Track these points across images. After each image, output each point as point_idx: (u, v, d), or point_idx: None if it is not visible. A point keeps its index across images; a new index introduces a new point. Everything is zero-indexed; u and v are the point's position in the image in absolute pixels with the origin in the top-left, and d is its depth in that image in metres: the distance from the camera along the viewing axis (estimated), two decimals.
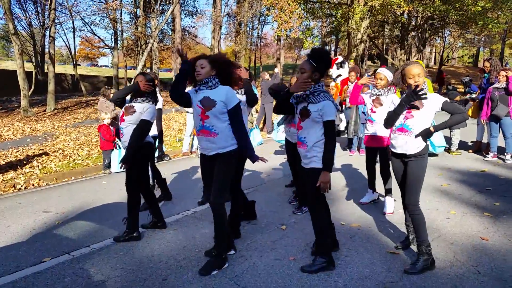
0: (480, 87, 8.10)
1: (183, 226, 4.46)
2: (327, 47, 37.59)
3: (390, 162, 3.58)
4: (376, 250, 3.64)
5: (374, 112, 4.78)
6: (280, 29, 17.60)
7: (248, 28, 29.00)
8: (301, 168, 3.37)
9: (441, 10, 19.65)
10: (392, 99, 4.20)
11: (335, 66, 11.09)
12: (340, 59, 11.23)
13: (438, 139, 7.50)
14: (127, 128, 4.03)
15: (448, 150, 7.99)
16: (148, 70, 24.31)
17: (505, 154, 7.17)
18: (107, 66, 53.92)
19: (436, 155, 7.65)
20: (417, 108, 3.18)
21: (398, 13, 22.14)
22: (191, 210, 5.00)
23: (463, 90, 18.91)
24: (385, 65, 23.85)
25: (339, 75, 10.70)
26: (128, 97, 4.27)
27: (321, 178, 3.05)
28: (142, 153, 4.06)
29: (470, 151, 8.03)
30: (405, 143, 3.21)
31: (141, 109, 3.99)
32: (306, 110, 3.14)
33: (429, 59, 44.13)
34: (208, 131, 3.30)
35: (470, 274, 3.18)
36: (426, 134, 3.18)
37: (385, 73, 4.75)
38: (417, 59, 24.37)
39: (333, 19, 22.75)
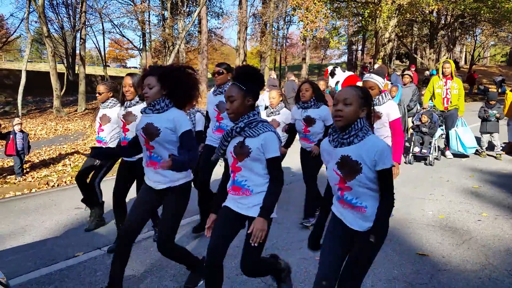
0: None
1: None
2: (354, 47, 37.17)
3: None
4: (405, 252, 3.59)
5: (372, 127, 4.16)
6: (306, 29, 17.53)
7: (273, 29, 29.02)
8: (232, 213, 2.47)
9: (472, 8, 19.13)
10: (389, 109, 3.78)
11: (329, 77, 10.99)
12: (330, 68, 11.14)
13: (468, 140, 7.34)
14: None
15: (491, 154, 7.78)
16: None
17: None
18: (136, 67, 54.93)
19: (467, 156, 7.47)
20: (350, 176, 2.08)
21: (427, 11, 21.69)
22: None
23: (495, 90, 18.37)
24: (414, 64, 23.42)
25: (337, 82, 10.63)
26: (110, 102, 4.34)
27: (256, 224, 2.27)
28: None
29: (504, 152, 7.80)
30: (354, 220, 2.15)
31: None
32: (243, 146, 2.39)
33: (459, 58, 43.01)
34: (157, 162, 2.76)
35: (504, 277, 3.10)
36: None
37: (374, 80, 3.77)
38: (447, 58, 23.82)
39: (360, 18, 22.49)
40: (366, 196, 2.08)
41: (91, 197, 4.53)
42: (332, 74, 10.74)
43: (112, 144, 4.28)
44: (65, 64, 24.64)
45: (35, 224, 4.86)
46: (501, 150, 7.55)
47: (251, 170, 2.39)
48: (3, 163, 8.23)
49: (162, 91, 2.72)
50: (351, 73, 10.81)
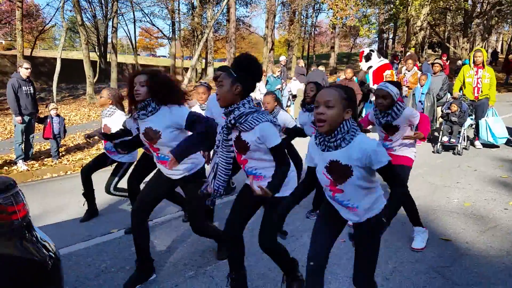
0: None
1: None
2: (385, 35, 36.41)
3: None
4: (429, 237, 3.63)
5: (390, 140, 3.51)
6: (335, 17, 17.34)
7: (302, 17, 28.78)
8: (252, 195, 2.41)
9: None
10: (409, 115, 3.33)
11: (363, 60, 10.43)
12: (367, 51, 10.48)
13: (499, 130, 7.20)
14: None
15: None
16: (197, 64, 24.85)
17: None
18: (165, 56, 55.63)
19: (497, 146, 7.33)
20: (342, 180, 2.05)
21: None
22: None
23: None
24: (446, 53, 22.79)
25: (370, 67, 10.16)
26: (109, 110, 4.29)
27: (263, 189, 2.20)
28: None
29: None
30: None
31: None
32: (241, 141, 2.41)
33: (495, 47, 41.49)
34: (166, 161, 2.85)
35: None
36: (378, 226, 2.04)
37: (388, 90, 3.26)
38: (481, 47, 23.05)
39: (391, 6, 22.02)
40: (359, 196, 2.05)
41: (92, 194, 4.61)
42: (368, 57, 10.17)
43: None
44: (97, 53, 25.29)
45: (71, 203, 5.14)
46: None
47: (256, 159, 2.43)
48: (41, 147, 8.64)
49: (150, 92, 2.73)
50: (387, 61, 10.34)
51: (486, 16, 24.29)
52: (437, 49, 37.45)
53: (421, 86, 7.62)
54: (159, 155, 2.87)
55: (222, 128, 2.48)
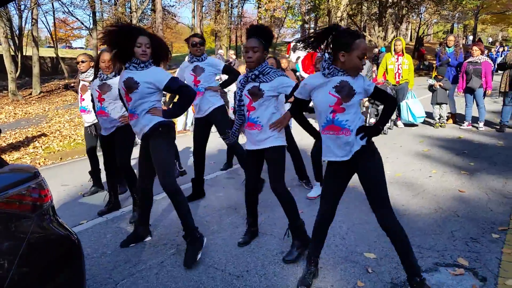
0: (440, 59, 8.72)
1: None
2: (306, 25, 37.84)
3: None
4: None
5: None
6: (264, 8, 17.88)
7: (228, 7, 29.00)
8: (254, 152, 3.23)
9: None
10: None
11: (291, 51, 11.06)
12: (293, 43, 11.13)
13: (418, 110, 8.17)
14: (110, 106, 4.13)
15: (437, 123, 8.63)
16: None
17: (478, 122, 7.89)
18: (82, 48, 52.87)
19: (416, 125, 8.32)
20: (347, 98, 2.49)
21: None
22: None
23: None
24: None
25: (298, 57, 10.79)
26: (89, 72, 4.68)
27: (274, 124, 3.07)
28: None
29: (450, 121, 8.66)
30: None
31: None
32: (258, 89, 3.03)
33: (405, 35, 44.93)
34: (132, 114, 3.20)
35: (451, 217, 3.83)
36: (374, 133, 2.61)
37: None
38: (395, 36, 25.01)
39: None
40: (356, 119, 2.50)
41: (98, 172, 5.12)
42: (294, 49, 10.79)
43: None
44: (12, 47, 23.49)
45: None
46: (445, 120, 8.44)
47: (263, 109, 3.06)
48: None
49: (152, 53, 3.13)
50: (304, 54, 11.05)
51: (398, 6, 26.37)
52: None
53: None
54: (129, 107, 3.19)
55: (240, 81, 3.16)
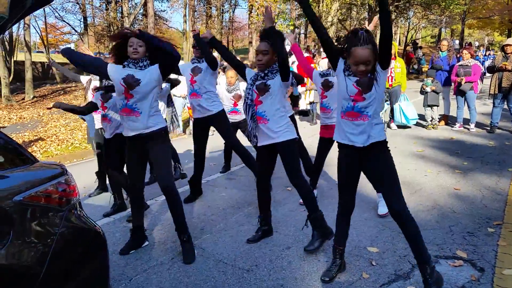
0: (433, 62, 8.93)
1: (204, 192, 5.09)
2: (297, 30, 38.13)
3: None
4: (370, 201, 4.38)
5: (326, 97, 4.15)
6: (257, 13, 18.05)
7: (220, 12, 29.18)
8: (265, 148, 3.43)
9: None
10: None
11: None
12: (288, 48, 11.26)
13: (411, 112, 8.38)
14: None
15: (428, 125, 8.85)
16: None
17: (470, 124, 8.12)
18: None
19: (409, 127, 8.53)
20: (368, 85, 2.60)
21: None
22: (205, 180, 5.62)
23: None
24: None
25: (293, 62, 11.00)
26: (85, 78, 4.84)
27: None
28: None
29: (442, 123, 8.88)
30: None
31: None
32: (265, 85, 3.29)
33: (394, 40, 45.50)
34: (131, 110, 3.22)
35: (448, 213, 3.99)
36: None
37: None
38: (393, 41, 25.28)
39: None
40: (376, 103, 2.62)
41: (105, 174, 5.15)
42: (290, 53, 10.96)
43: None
44: (2, 52, 23.33)
45: None
46: (437, 121, 8.65)
47: (269, 103, 3.30)
48: None
49: (145, 53, 3.21)
50: (307, 54, 11.27)
51: None
52: None
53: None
54: (129, 102, 3.18)
55: (251, 78, 3.39)
